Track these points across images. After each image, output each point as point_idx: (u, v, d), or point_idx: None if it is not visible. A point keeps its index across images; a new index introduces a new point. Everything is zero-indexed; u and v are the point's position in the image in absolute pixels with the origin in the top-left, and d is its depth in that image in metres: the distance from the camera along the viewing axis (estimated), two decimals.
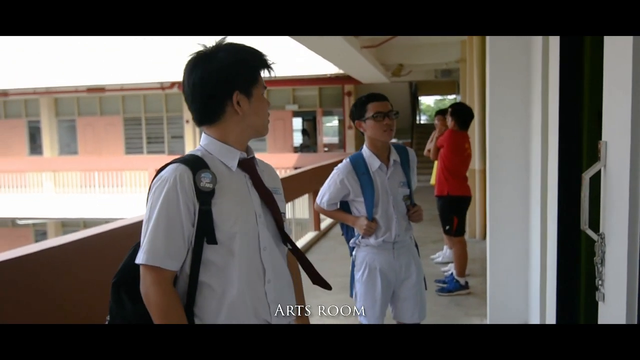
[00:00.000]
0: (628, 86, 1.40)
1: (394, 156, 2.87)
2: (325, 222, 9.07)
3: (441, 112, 6.20)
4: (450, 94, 25.44)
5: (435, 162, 5.90)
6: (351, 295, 2.94)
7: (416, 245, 2.98)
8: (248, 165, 1.65)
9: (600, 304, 1.68)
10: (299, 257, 1.73)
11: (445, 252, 6.44)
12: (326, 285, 1.77)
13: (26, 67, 16.49)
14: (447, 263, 6.23)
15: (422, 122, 26.63)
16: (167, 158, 1.68)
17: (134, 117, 18.08)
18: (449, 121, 5.52)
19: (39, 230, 17.86)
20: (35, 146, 18.67)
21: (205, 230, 1.51)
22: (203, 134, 1.65)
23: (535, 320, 3.53)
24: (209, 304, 1.53)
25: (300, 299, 1.84)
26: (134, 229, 2.88)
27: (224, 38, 1.60)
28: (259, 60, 1.61)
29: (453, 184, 5.39)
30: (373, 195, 2.80)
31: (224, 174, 1.58)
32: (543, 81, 3.15)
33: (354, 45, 8.79)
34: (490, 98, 3.96)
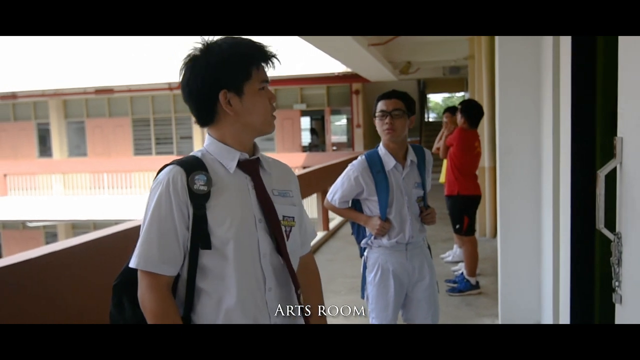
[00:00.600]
0: None
1: (411, 156, 2.80)
2: (334, 221, 9.03)
3: (450, 110, 6.15)
4: (459, 91, 25.34)
5: (445, 161, 5.85)
6: (362, 297, 2.88)
7: (428, 247, 2.94)
8: (250, 167, 1.57)
9: (617, 306, 1.64)
10: (291, 274, 1.59)
11: (455, 251, 6.38)
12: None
13: (35, 69, 16.54)
14: (457, 262, 6.18)
15: (430, 120, 26.55)
16: (175, 159, 1.66)
17: (142, 118, 18.11)
18: (459, 118, 5.45)
19: (50, 232, 17.94)
20: (45, 148, 18.75)
21: (199, 235, 1.46)
22: (206, 134, 1.61)
23: (548, 321, 3.48)
24: (206, 311, 1.49)
25: (318, 298, 1.77)
26: None
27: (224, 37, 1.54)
28: (252, 54, 1.52)
29: (463, 183, 5.33)
30: (388, 195, 2.73)
31: (222, 176, 1.52)
32: (554, 78, 3.11)
33: (361, 43, 8.75)
34: (500, 95, 3.92)
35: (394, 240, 2.76)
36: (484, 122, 6.94)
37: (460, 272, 5.55)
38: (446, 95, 33.89)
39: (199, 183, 1.46)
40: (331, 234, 8.50)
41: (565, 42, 2.74)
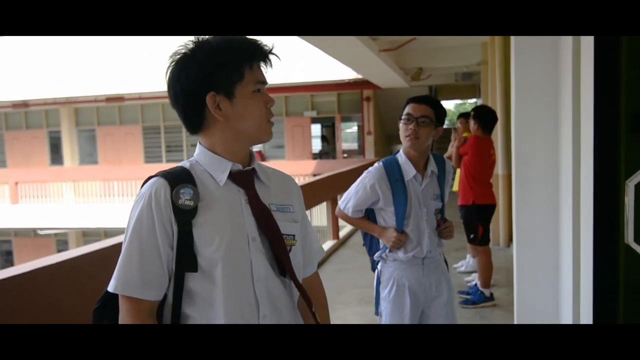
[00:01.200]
0: None
1: (432, 166, 2.64)
2: (344, 230, 8.89)
3: (464, 115, 6.04)
4: (471, 97, 25.13)
5: (458, 169, 5.71)
6: (377, 313, 2.71)
7: (445, 261, 2.78)
8: (243, 179, 1.40)
9: None
10: (302, 293, 1.45)
11: (468, 261, 6.23)
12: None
13: (46, 77, 16.66)
14: (470, 272, 6.03)
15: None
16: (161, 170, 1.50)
17: (153, 125, 18.12)
18: (472, 125, 5.32)
19: (61, 240, 17.97)
20: (56, 156, 18.83)
21: (185, 255, 1.30)
22: (197, 143, 1.45)
23: None
24: None
25: (323, 317, 1.60)
26: None
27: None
28: (245, 52, 1.34)
29: (478, 192, 5.19)
30: (405, 206, 2.55)
31: (212, 190, 1.36)
32: (574, 81, 2.97)
33: (372, 48, 8.62)
34: (516, 101, 3.78)
35: (410, 254, 2.59)
36: (498, 128, 6.80)
37: (473, 282, 5.39)
38: (458, 101, 33.73)
39: (185, 197, 1.30)
40: (341, 243, 8.35)
41: (587, 42, 2.61)
